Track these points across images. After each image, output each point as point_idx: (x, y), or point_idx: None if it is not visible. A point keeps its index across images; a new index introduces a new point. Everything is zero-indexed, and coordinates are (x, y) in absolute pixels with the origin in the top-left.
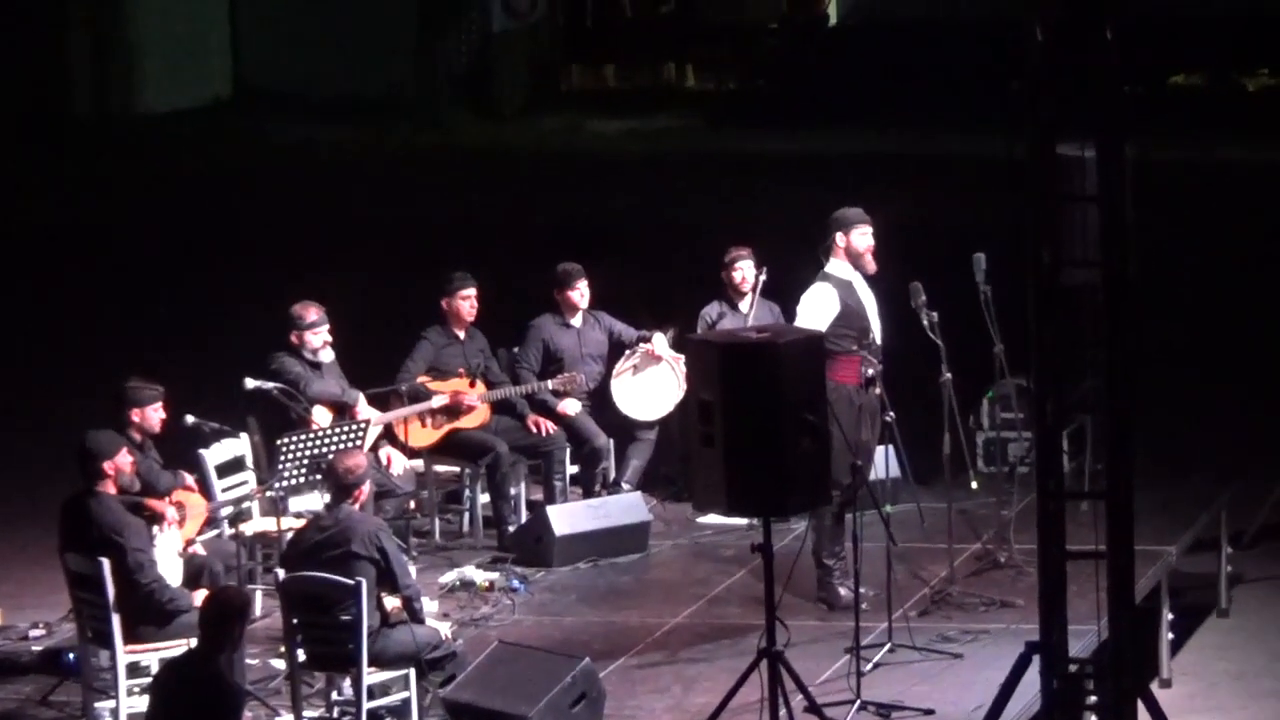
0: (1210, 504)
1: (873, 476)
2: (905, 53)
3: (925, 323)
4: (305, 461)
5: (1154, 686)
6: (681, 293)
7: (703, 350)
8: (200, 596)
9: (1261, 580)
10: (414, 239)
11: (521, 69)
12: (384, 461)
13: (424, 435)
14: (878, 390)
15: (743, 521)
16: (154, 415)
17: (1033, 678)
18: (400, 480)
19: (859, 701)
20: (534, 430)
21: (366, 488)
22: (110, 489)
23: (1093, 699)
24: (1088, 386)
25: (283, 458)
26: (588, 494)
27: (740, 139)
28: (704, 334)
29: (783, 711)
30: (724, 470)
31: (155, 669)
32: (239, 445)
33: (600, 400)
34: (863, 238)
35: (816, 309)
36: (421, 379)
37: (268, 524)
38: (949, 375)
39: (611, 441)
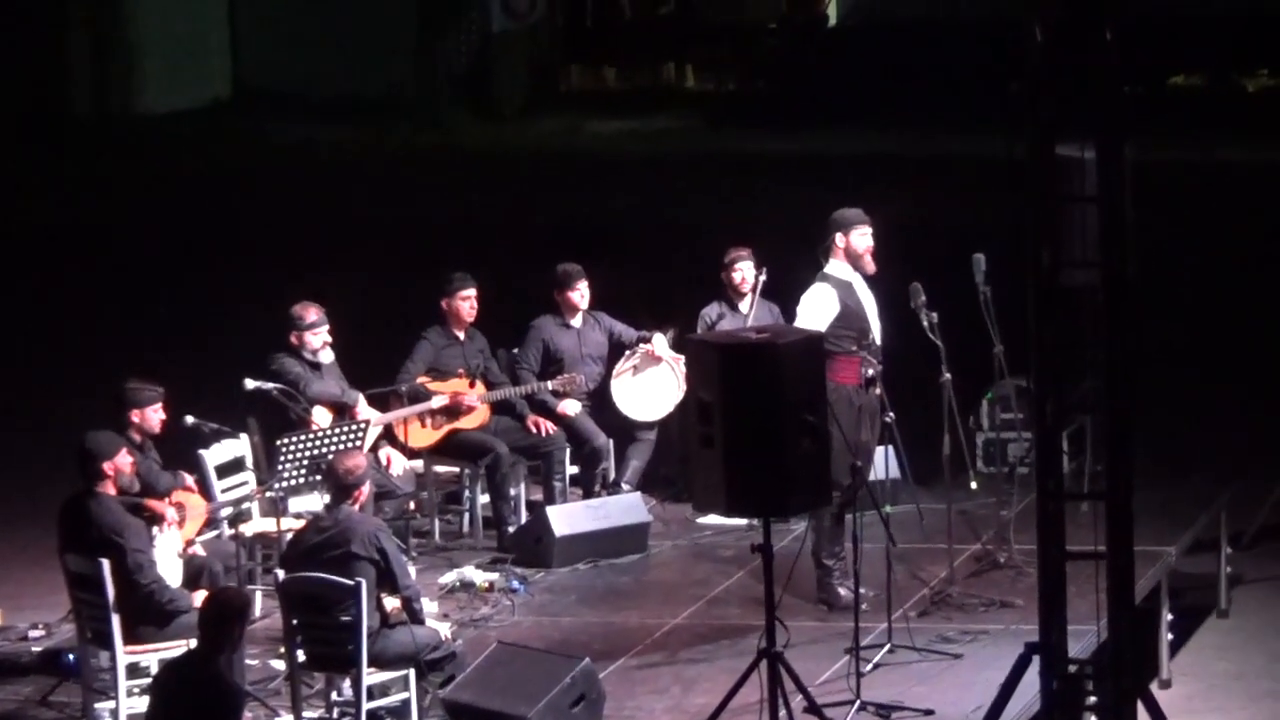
0: (1210, 504)
1: (872, 477)
2: (905, 53)
3: (925, 323)
4: (305, 462)
5: (1153, 687)
6: (681, 293)
7: (702, 351)
8: (200, 597)
9: (1261, 581)
10: (414, 239)
11: (521, 69)
12: (384, 462)
13: (424, 436)
14: (877, 391)
15: (742, 522)
16: (154, 416)
17: (1032, 678)
18: (400, 481)
19: (859, 702)
20: (534, 431)
21: (366, 488)
22: (110, 490)
23: (1092, 699)
24: (1087, 387)
25: (282, 458)
26: (587, 495)
27: (740, 139)
28: (704, 334)
29: (782, 712)
30: (724, 471)
31: (155, 670)
32: (239, 446)
33: (600, 401)
34: (862, 238)
35: (816, 310)
36: (421, 380)
37: (267, 525)
38: (949, 376)
39: (611, 442)
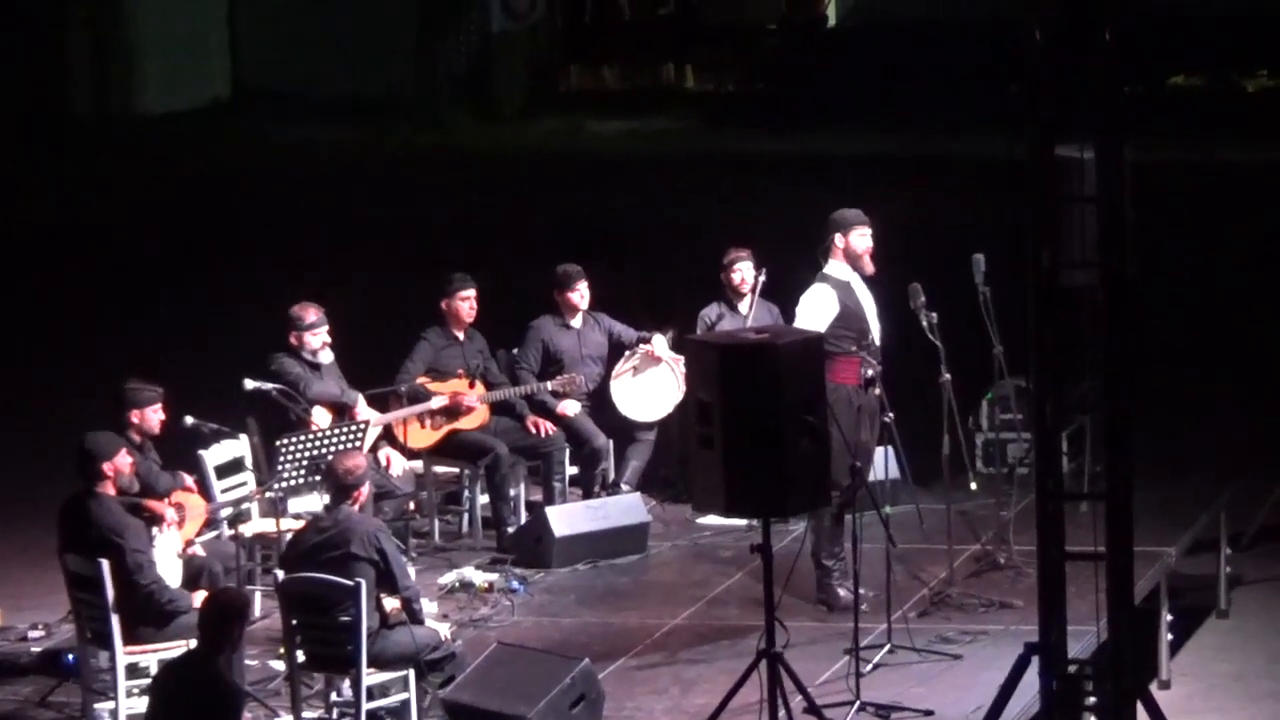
0: (1210, 505)
1: (872, 477)
2: (905, 53)
3: (924, 324)
4: (304, 462)
5: (1153, 687)
6: (681, 293)
7: (702, 351)
8: (199, 597)
9: (1261, 581)
10: (414, 239)
11: (521, 70)
12: (383, 462)
13: (423, 436)
14: (877, 391)
15: (742, 523)
16: (153, 416)
17: (1032, 679)
18: (399, 481)
19: (858, 702)
20: (533, 431)
21: (366, 489)
22: (110, 490)
23: (1092, 700)
24: (1087, 387)
25: (282, 459)
26: (587, 495)
27: (740, 139)
28: (703, 335)
29: (782, 713)
30: (723, 471)
31: (154, 670)
32: (238, 446)
33: (600, 401)
34: (861, 239)
35: (815, 310)
36: (421, 380)
37: (267, 525)
38: (948, 376)
39: (611, 442)
